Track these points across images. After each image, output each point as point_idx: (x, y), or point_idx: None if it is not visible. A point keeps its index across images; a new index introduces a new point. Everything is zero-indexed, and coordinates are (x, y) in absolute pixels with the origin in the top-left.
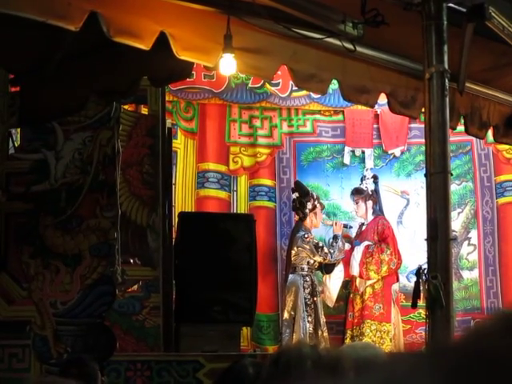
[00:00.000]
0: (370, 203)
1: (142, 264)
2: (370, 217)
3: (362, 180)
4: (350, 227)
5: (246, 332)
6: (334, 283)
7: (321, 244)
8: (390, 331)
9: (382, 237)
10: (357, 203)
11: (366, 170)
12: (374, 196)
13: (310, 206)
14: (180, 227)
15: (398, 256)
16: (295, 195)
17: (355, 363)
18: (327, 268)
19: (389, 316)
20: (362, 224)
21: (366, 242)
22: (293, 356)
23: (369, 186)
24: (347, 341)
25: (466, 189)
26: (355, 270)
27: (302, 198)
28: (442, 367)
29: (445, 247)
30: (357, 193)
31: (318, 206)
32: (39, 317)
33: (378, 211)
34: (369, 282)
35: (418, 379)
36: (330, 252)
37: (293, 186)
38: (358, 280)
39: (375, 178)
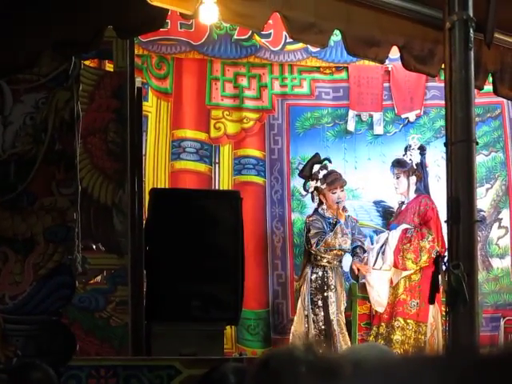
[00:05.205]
0: (413, 179)
1: (106, 251)
2: (412, 195)
3: (406, 150)
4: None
5: (230, 332)
6: (382, 284)
7: (312, 228)
8: (427, 333)
9: (424, 219)
10: (397, 178)
11: (413, 138)
12: (419, 171)
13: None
14: (152, 206)
15: (442, 243)
16: (313, 184)
17: (357, 368)
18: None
19: (426, 314)
20: (402, 203)
21: (404, 225)
22: (284, 359)
23: (414, 158)
24: (370, 338)
25: (496, 160)
26: (389, 258)
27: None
28: (450, 374)
29: (469, 230)
30: (398, 165)
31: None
32: None
33: (423, 190)
34: (405, 273)
35: None
36: (319, 239)
37: (306, 172)
38: (392, 270)
39: (422, 150)
